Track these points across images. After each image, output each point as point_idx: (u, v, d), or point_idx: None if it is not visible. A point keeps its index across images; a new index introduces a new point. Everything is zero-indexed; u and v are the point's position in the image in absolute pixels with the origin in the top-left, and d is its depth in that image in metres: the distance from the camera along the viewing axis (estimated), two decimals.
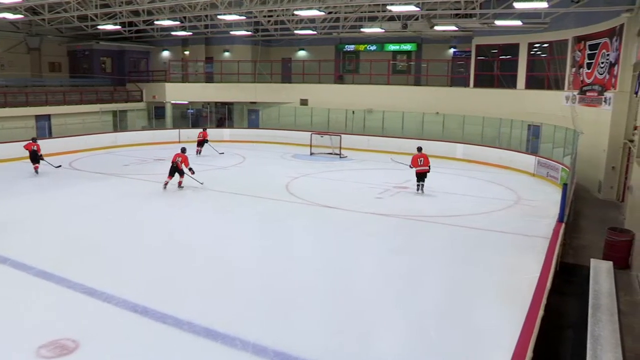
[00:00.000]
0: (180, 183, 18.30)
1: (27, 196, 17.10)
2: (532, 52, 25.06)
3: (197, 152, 25.62)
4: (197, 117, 35.64)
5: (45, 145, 24.67)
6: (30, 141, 20.97)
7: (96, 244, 12.19)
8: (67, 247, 11.92)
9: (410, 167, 18.08)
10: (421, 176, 17.79)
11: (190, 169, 18.16)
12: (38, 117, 27.66)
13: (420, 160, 17.78)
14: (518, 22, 22.17)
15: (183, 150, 18.55)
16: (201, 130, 27.12)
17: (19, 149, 22.32)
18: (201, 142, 26.29)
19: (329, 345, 7.68)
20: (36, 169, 20.53)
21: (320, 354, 7.36)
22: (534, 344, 6.05)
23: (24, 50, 32.35)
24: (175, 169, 17.97)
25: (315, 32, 30.56)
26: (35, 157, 20.58)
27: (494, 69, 27.02)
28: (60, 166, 20.80)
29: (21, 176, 19.90)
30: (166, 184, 17.99)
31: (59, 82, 32.79)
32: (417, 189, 17.84)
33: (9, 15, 25.11)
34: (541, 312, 6.92)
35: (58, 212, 15.27)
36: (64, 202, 16.47)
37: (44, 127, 27.90)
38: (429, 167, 17.78)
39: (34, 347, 7.33)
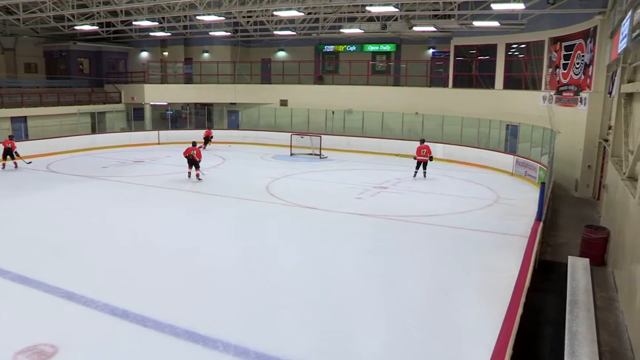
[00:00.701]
0: (197, 175, 19.87)
1: (3, 199, 16.83)
2: (509, 53, 25.37)
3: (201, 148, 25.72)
4: (176, 118, 35.41)
5: (21, 148, 24.33)
6: (7, 138, 22.07)
7: (74, 247, 12.05)
8: (45, 250, 11.74)
9: (415, 158, 20.60)
10: (420, 164, 20.50)
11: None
12: (14, 119, 27.24)
13: (422, 151, 20.40)
14: (495, 23, 22.44)
15: (194, 144, 20.51)
16: (207, 129, 29.17)
17: None
18: (206, 140, 28.30)
19: (311, 345, 7.68)
20: (15, 164, 21.82)
21: (302, 355, 7.36)
22: (513, 341, 6.13)
23: None
24: (192, 161, 19.75)
25: (294, 33, 30.57)
26: (9, 153, 21.50)
27: (472, 69, 27.28)
28: (30, 162, 21.80)
29: None
30: (189, 173, 20.01)
31: (35, 84, 32.34)
32: (414, 175, 20.54)
33: None
34: (520, 310, 7.01)
35: (35, 215, 15.06)
36: (41, 205, 16.25)
37: (20, 129, 27.45)
38: (430, 156, 20.49)
39: (11, 354, 7.21)
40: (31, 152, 24.61)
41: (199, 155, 19.75)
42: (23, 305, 8.97)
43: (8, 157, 21.85)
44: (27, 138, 27.13)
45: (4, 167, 21.61)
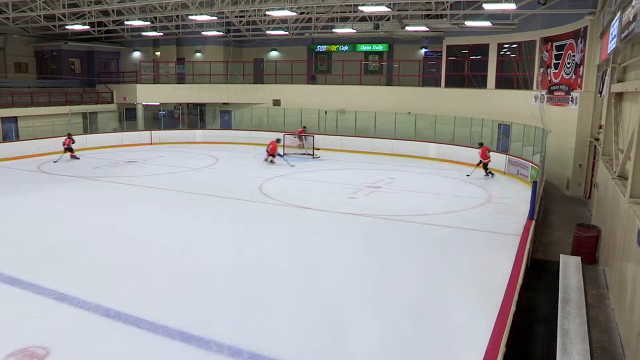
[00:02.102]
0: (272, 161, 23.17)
1: None
2: (501, 53, 25.48)
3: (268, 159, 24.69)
4: (168, 118, 35.33)
5: (12, 149, 24.28)
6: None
7: (66, 248, 12.01)
8: (36, 251, 11.69)
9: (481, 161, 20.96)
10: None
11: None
12: (4, 119, 27.06)
13: (488, 153, 21.00)
14: (487, 23, 22.53)
15: (278, 140, 23.94)
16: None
17: None
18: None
19: (303, 345, 7.70)
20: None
21: (295, 355, 7.38)
22: (506, 339, 6.17)
23: None
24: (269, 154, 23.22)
25: (287, 33, 30.55)
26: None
27: (464, 69, 27.37)
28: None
29: None
30: (266, 159, 23.55)
31: (26, 84, 32.14)
32: (489, 175, 20.98)
33: None
34: (513, 308, 7.06)
35: (27, 216, 14.97)
36: (32, 206, 16.17)
37: (11, 130, 27.29)
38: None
39: (2, 356, 7.18)
40: (22, 153, 24.55)
41: (274, 150, 23.38)
42: (14, 307, 8.93)
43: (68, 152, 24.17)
44: (17, 139, 26.98)
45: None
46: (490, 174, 20.96)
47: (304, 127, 23.77)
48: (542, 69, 21.88)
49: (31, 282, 9.82)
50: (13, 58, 33.44)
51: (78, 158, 24.47)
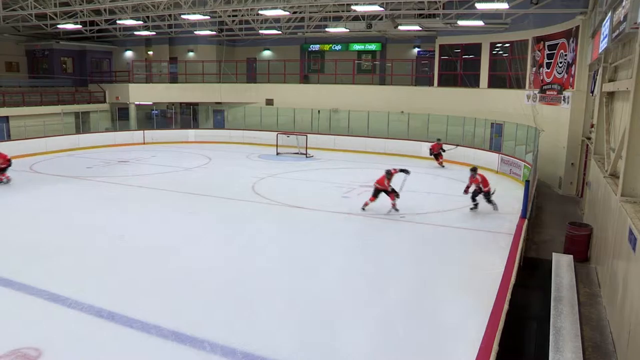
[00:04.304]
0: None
1: None
2: (494, 52, 25.57)
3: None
4: (161, 118, 35.22)
5: (3, 149, 24.09)
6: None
7: (58, 248, 11.94)
8: (28, 252, 11.62)
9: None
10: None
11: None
12: None
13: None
14: (480, 23, 22.60)
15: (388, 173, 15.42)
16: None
17: None
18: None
19: (296, 345, 7.69)
20: None
21: (288, 354, 7.37)
22: (499, 337, 6.19)
23: None
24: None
25: (280, 32, 30.52)
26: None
27: (457, 68, 27.43)
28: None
29: None
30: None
31: (17, 83, 31.93)
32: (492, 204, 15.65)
33: None
34: (506, 306, 7.08)
35: (18, 216, 14.90)
36: (24, 206, 16.09)
37: (2, 129, 27.12)
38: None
39: None
40: (14, 153, 24.32)
41: (382, 183, 15.25)
42: (6, 308, 8.89)
43: None
44: (9, 138, 26.82)
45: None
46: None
47: (439, 139, 23.30)
48: (534, 68, 21.96)
49: (22, 282, 9.77)
50: (4, 57, 33.21)
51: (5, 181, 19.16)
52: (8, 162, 19.27)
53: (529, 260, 11.22)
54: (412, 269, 10.94)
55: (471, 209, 15.57)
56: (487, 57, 25.59)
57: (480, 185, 15.32)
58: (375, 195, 15.21)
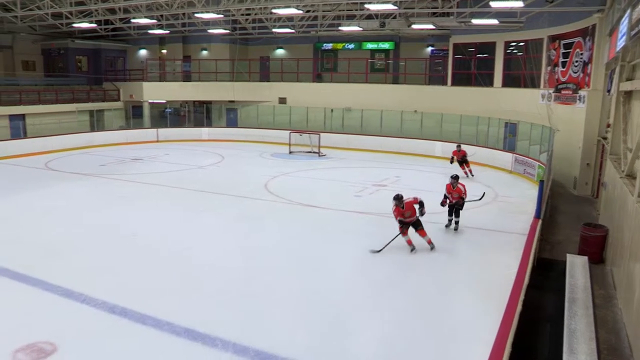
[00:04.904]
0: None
1: (1, 198, 16.80)
2: (508, 51, 25.37)
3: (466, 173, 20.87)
4: (174, 116, 35.40)
5: (19, 146, 24.43)
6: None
7: (72, 245, 12.06)
8: (43, 248, 11.74)
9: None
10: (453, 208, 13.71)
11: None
12: (12, 117, 27.16)
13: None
14: (494, 21, 22.41)
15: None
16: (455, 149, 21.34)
17: None
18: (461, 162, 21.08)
19: (309, 344, 7.69)
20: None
21: (300, 353, 7.36)
22: (512, 338, 6.14)
23: None
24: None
25: (293, 31, 30.51)
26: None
27: (471, 67, 27.27)
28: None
29: None
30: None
31: (33, 82, 32.24)
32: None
33: None
34: (519, 307, 7.02)
35: (33, 213, 15.02)
36: (39, 204, 16.22)
37: (18, 127, 27.41)
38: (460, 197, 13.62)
39: (11, 351, 7.23)
40: (30, 151, 24.65)
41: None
42: (22, 303, 8.97)
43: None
44: (25, 136, 27.09)
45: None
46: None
47: (459, 145, 21.06)
48: (549, 68, 21.77)
49: (38, 278, 9.87)
50: (21, 56, 33.56)
51: None
52: None
53: (542, 261, 11.13)
54: (424, 268, 10.89)
55: (447, 226, 13.63)
56: (501, 56, 25.40)
57: (463, 196, 13.39)
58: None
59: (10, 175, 20.12)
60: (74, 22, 27.96)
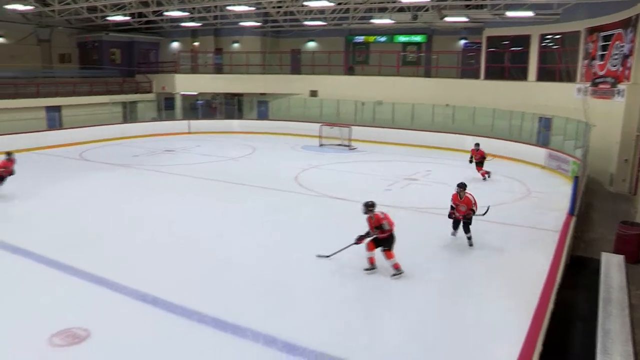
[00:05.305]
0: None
1: (38, 187, 17.19)
2: (543, 44, 24.83)
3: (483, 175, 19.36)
4: (206, 108, 35.70)
5: (56, 137, 24.98)
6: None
7: (106, 234, 12.29)
8: (78, 237, 12.00)
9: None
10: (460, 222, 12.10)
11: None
12: (48, 108, 27.77)
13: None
14: (530, 13, 21.95)
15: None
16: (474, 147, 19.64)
17: (29, 139, 22.65)
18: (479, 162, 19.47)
19: (337, 336, 7.68)
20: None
21: (329, 346, 7.35)
22: (543, 337, 6.03)
23: (34, 42, 32.48)
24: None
25: (324, 23, 30.45)
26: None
27: (504, 60, 26.79)
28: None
29: (33, 167, 19.91)
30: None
31: (69, 74, 32.87)
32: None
33: (20, 7, 25.16)
34: (551, 305, 6.89)
35: (68, 202, 15.33)
36: (74, 193, 16.55)
37: (54, 119, 28.03)
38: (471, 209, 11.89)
39: (48, 335, 7.43)
40: (65, 141, 25.17)
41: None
42: (57, 290, 9.20)
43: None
44: (60, 127, 27.68)
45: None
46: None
47: (477, 143, 19.24)
48: (586, 61, 21.25)
49: (72, 265, 10.09)
50: (58, 49, 34.23)
51: None
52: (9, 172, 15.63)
53: (576, 259, 10.89)
54: (453, 264, 10.78)
55: (453, 234, 12.19)
56: (536, 49, 24.88)
57: (473, 208, 11.74)
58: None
59: (46, 165, 20.57)
60: (108, 15, 28.41)
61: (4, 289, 9.20)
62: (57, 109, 28.26)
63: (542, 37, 24.68)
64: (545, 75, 24.63)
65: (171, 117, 32.75)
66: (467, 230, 11.80)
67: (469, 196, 11.84)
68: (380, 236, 9.94)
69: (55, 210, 14.42)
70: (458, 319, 8.35)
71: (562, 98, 22.00)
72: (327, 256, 10.37)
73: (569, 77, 22.67)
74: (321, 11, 28.73)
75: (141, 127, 30.21)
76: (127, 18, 30.28)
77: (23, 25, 31.07)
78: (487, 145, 24.10)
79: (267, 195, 16.52)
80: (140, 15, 30.66)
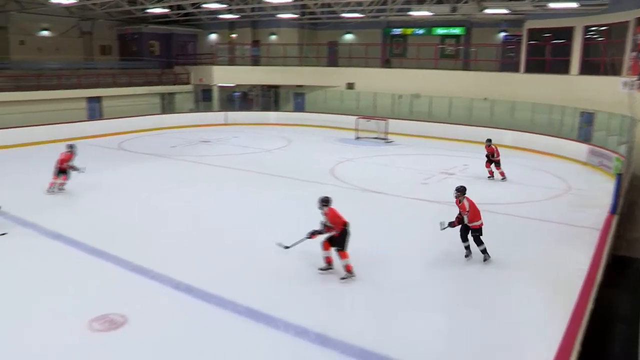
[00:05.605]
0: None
1: (78, 176, 17.58)
2: (587, 36, 24.09)
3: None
4: (242, 100, 35.93)
5: (96, 127, 25.55)
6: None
7: (143, 223, 12.56)
8: (116, 225, 12.27)
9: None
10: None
11: None
12: (89, 99, 28.39)
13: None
14: (574, 4, 21.32)
15: None
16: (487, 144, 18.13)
17: (71, 129, 23.30)
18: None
19: (371, 331, 7.67)
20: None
21: (362, 340, 7.33)
22: (582, 337, 5.87)
23: (76, 34, 33.21)
24: None
25: (362, 16, 30.23)
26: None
27: (545, 53, 26.14)
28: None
29: (75, 157, 20.35)
30: None
31: (109, 65, 33.52)
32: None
33: (64, 1, 25.76)
34: (590, 305, 6.70)
35: (108, 191, 15.66)
36: (113, 183, 16.89)
37: (95, 109, 28.65)
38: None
39: (87, 320, 7.64)
40: (105, 132, 25.71)
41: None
42: (96, 276, 9.44)
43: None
44: (100, 117, 28.26)
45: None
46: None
47: (489, 140, 17.90)
48: (633, 53, 20.54)
49: (110, 253, 10.35)
50: (99, 41, 34.90)
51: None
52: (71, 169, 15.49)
53: (618, 258, 10.56)
54: (489, 260, 10.58)
55: (467, 256, 10.52)
56: (579, 41, 24.15)
57: (463, 214, 10.46)
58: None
59: (87, 155, 20.87)
60: (147, 8, 28.77)
61: (47, 275, 9.48)
62: (98, 99, 28.87)
63: (586, 29, 23.94)
64: (588, 68, 23.90)
65: (208, 109, 33.10)
66: (477, 241, 10.30)
67: (466, 203, 10.45)
68: (335, 234, 9.44)
69: (95, 200, 14.75)
70: (492, 316, 8.21)
71: (606, 92, 21.32)
72: (287, 247, 9.89)
73: (614, 70, 21.97)
74: (359, 3, 28.50)
75: (179, 118, 30.66)
76: (166, 10, 30.61)
77: (67, 19, 31.82)
78: (527, 140, 23.79)
79: (302, 187, 16.54)
80: (179, 7, 30.94)
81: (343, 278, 9.37)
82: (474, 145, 24.72)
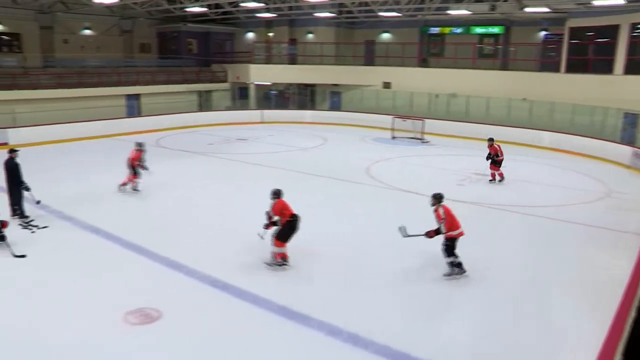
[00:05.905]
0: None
1: (117, 172, 17.93)
2: (634, 34, 23.34)
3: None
4: (279, 98, 36.12)
5: (134, 124, 26.04)
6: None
7: (180, 219, 12.73)
8: (153, 221, 12.53)
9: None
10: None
11: None
12: (128, 97, 28.95)
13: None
14: (621, 1, 20.68)
15: None
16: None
17: (110, 126, 23.87)
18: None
19: (404, 331, 7.61)
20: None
21: (393, 338, 7.30)
22: (623, 347, 5.71)
23: (117, 33, 33.95)
24: None
25: (399, 14, 30.05)
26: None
27: (588, 52, 25.49)
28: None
29: (113, 153, 20.81)
30: None
31: (149, 63, 34.15)
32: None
33: (106, 0, 26.37)
34: (633, 313, 6.51)
35: (145, 188, 15.89)
36: (151, 179, 17.13)
37: (134, 106, 29.23)
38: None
39: (123, 313, 7.81)
40: (143, 128, 26.18)
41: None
42: (133, 271, 9.64)
43: None
44: (139, 114, 28.79)
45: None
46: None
47: (491, 138, 17.58)
48: None
49: (146, 248, 10.56)
50: (139, 39, 35.60)
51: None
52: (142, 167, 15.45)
53: None
54: (525, 264, 10.38)
55: (447, 274, 9.52)
56: (624, 40, 23.43)
57: (440, 225, 9.68)
58: None
59: (125, 152, 21.35)
60: (186, 7, 29.20)
61: (86, 267, 9.71)
62: (137, 97, 29.43)
63: (633, 27, 23.22)
64: (633, 67, 23.21)
65: (245, 107, 33.43)
66: (447, 252, 9.51)
67: (441, 210, 9.72)
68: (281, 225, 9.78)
69: (132, 196, 15.01)
70: (529, 322, 8.04)
71: None
72: (261, 237, 9.95)
73: None
74: (396, 2, 28.35)
75: (216, 115, 31.01)
76: (205, 9, 31.01)
77: (108, 18, 32.59)
78: (566, 141, 23.24)
79: (338, 186, 16.54)
80: (217, 6, 31.32)
81: (268, 263, 9.75)
82: (512, 146, 24.31)
